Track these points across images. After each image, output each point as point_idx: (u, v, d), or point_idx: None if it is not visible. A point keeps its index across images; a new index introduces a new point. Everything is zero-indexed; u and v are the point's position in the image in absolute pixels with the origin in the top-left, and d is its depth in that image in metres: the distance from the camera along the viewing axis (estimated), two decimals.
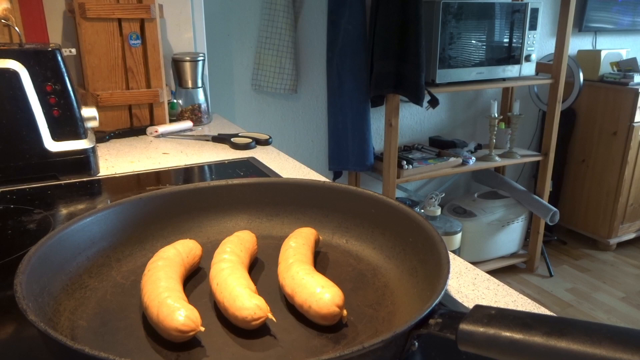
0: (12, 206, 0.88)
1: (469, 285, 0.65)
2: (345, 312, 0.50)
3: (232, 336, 0.49)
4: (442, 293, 0.45)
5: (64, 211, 0.89)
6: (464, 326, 0.39)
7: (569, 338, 0.37)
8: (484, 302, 0.61)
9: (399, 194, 2.87)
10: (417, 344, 0.41)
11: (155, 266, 0.54)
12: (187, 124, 1.40)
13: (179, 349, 0.47)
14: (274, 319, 0.48)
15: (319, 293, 0.50)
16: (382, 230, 0.65)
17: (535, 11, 2.55)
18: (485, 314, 0.40)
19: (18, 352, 0.51)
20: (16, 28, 1.08)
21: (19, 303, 0.42)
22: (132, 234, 0.64)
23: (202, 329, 0.46)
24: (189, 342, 0.47)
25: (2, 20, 1.10)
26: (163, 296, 0.47)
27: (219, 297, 0.51)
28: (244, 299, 0.48)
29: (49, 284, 0.50)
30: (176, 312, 0.46)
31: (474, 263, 0.72)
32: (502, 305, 0.61)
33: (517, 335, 0.38)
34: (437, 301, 0.43)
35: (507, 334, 0.38)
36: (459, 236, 2.60)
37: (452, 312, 0.43)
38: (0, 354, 0.51)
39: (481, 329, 0.39)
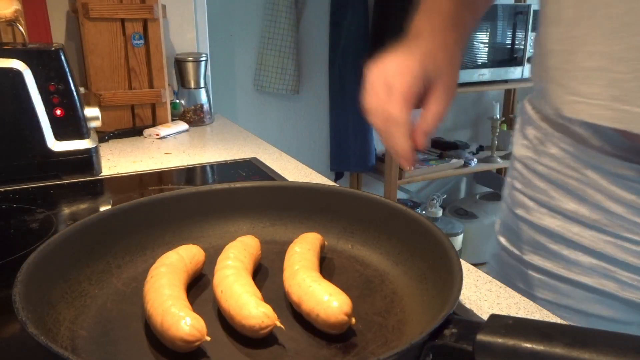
0: (14, 205, 0.87)
1: (471, 287, 0.64)
2: (354, 320, 0.48)
3: (238, 346, 0.48)
4: (457, 301, 0.43)
5: (66, 211, 0.88)
6: (482, 337, 0.38)
7: (592, 349, 0.35)
8: (486, 304, 0.60)
9: (400, 195, 2.86)
10: (432, 355, 0.40)
11: (158, 272, 0.52)
12: (183, 126, 1.38)
13: (183, 359, 0.45)
14: (282, 327, 0.47)
15: (327, 301, 0.48)
16: (388, 235, 0.63)
17: (538, 13, 2.54)
18: (503, 324, 0.39)
19: (18, 352, 0.50)
20: (20, 28, 1.07)
21: (17, 314, 0.40)
22: (133, 239, 0.62)
23: (208, 338, 0.45)
24: (193, 352, 0.45)
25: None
26: (167, 304, 0.46)
27: (224, 305, 0.49)
28: (250, 307, 0.47)
29: (48, 293, 0.48)
30: (181, 321, 0.44)
31: (475, 265, 0.71)
32: (504, 307, 0.60)
33: (538, 347, 0.36)
34: (452, 310, 0.42)
35: (528, 345, 0.37)
36: (460, 238, 2.59)
37: (467, 322, 0.42)
38: (0, 353, 0.50)
39: (500, 340, 0.38)
